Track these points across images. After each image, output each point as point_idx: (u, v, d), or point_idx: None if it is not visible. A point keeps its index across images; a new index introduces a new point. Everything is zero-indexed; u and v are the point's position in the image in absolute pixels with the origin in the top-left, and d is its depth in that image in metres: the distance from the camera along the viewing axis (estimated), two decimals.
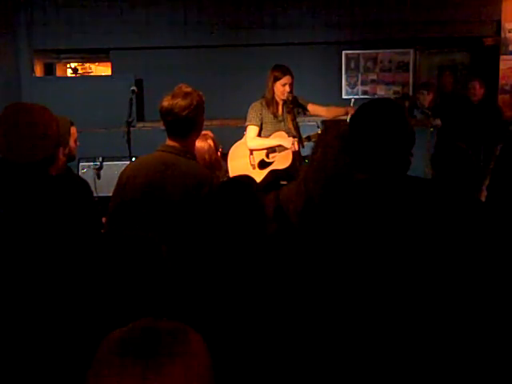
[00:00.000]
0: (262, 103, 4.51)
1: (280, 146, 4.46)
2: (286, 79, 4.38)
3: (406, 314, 1.68)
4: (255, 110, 4.49)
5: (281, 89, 4.40)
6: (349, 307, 1.73)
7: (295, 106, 4.47)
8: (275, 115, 4.49)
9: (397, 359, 1.68)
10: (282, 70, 4.40)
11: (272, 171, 4.46)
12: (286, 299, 1.89)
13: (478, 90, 5.99)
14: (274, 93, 4.44)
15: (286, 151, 4.45)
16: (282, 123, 4.51)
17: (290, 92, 4.39)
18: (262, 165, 4.54)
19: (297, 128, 4.39)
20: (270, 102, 4.46)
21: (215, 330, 1.81)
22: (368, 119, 1.85)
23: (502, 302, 1.70)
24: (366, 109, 1.90)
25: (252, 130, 4.45)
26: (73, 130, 3.30)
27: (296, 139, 4.36)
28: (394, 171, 1.81)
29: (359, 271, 1.72)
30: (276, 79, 4.41)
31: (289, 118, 4.43)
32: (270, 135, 4.50)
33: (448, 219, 1.74)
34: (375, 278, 1.71)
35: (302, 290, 1.86)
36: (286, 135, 4.44)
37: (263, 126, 4.53)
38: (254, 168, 4.51)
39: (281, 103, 4.48)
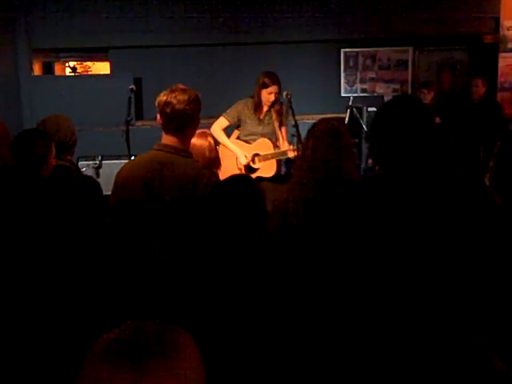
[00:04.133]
0: (246, 103, 4.61)
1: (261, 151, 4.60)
2: (272, 88, 4.47)
3: (420, 312, 1.68)
4: (236, 108, 4.62)
5: (266, 96, 4.50)
6: (363, 305, 1.73)
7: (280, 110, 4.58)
8: (257, 118, 4.58)
9: (403, 359, 1.68)
10: (271, 79, 4.48)
11: (258, 179, 4.49)
12: (288, 298, 1.89)
13: (480, 88, 5.98)
14: (260, 97, 4.53)
15: (271, 160, 4.57)
16: (261, 127, 4.60)
17: (276, 100, 4.50)
18: (249, 169, 4.62)
19: (280, 130, 4.58)
20: (256, 104, 4.56)
21: (213, 329, 1.81)
22: (395, 116, 1.83)
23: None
24: (393, 105, 1.89)
25: (221, 122, 4.60)
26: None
27: (250, 159, 4.54)
28: (417, 168, 1.80)
29: (379, 267, 1.72)
30: (264, 86, 4.50)
31: (275, 119, 4.56)
32: (247, 135, 4.61)
33: (467, 218, 1.74)
34: (390, 275, 1.70)
35: (307, 288, 1.86)
36: (270, 144, 4.56)
37: (242, 125, 4.64)
38: (240, 171, 4.57)
39: (265, 107, 4.57)
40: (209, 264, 2.00)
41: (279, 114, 4.56)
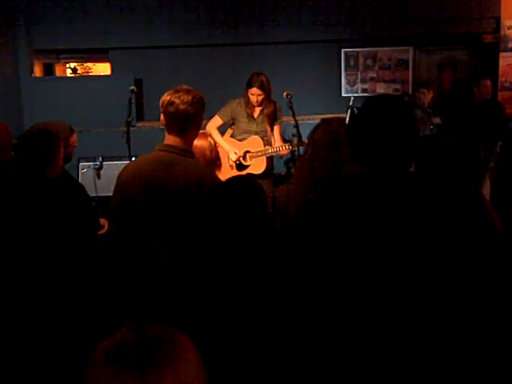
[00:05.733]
0: (239, 102, 4.70)
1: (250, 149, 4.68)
2: (253, 90, 4.57)
3: (405, 308, 1.68)
4: (229, 107, 4.72)
5: (250, 96, 4.60)
6: (351, 304, 1.73)
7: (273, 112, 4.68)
8: (250, 116, 4.67)
9: (398, 357, 1.68)
10: (253, 81, 4.57)
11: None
12: (290, 298, 1.88)
13: (489, 88, 5.97)
14: (247, 96, 4.62)
15: (261, 157, 4.66)
16: (255, 125, 4.68)
17: (262, 102, 4.59)
18: (240, 167, 4.70)
19: (272, 131, 4.70)
20: (246, 103, 4.65)
21: (216, 329, 1.81)
22: (374, 113, 1.84)
23: (499, 296, 1.70)
24: (373, 103, 1.89)
25: (215, 120, 4.70)
26: (73, 138, 3.34)
27: (241, 156, 4.66)
28: (395, 166, 1.81)
29: (356, 266, 1.72)
30: (247, 86, 4.61)
31: (265, 121, 4.66)
32: (241, 133, 4.70)
33: (445, 214, 1.74)
34: (372, 272, 1.71)
35: (306, 288, 1.85)
36: (261, 141, 4.66)
37: (236, 123, 4.73)
38: (232, 169, 4.67)
39: (256, 107, 4.65)
40: (212, 264, 2.00)
41: (269, 116, 4.65)
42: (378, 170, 1.81)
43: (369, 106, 1.89)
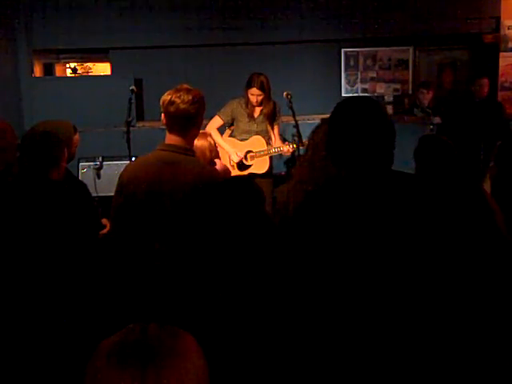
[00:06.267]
0: (239, 102, 4.71)
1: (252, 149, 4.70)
2: (252, 90, 4.60)
3: (403, 305, 1.69)
4: (229, 107, 4.72)
5: (250, 96, 4.61)
6: (342, 305, 1.73)
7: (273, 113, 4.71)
8: (250, 116, 4.68)
9: (391, 353, 1.68)
10: (253, 81, 4.59)
11: (251, 175, 4.56)
12: (289, 296, 1.89)
13: (486, 87, 5.97)
14: (247, 96, 4.64)
15: (264, 157, 4.65)
16: (255, 125, 4.70)
17: (261, 102, 4.62)
18: (241, 167, 4.67)
19: (272, 130, 4.74)
20: (245, 103, 4.66)
21: (216, 328, 1.82)
22: (347, 116, 1.84)
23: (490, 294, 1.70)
24: (344, 106, 1.89)
25: (215, 121, 4.71)
26: (76, 137, 3.33)
27: (242, 156, 4.67)
28: (376, 166, 1.80)
29: (353, 266, 1.72)
30: (247, 86, 4.63)
31: (265, 120, 4.69)
32: (241, 133, 4.71)
33: (428, 213, 1.74)
34: (371, 271, 1.71)
35: (304, 287, 1.86)
36: (263, 141, 4.67)
37: (236, 123, 4.75)
38: (233, 169, 4.66)
39: (256, 106, 4.67)
40: (212, 263, 2.00)
41: (268, 116, 4.67)
42: (355, 171, 1.81)
43: (339, 111, 1.89)
